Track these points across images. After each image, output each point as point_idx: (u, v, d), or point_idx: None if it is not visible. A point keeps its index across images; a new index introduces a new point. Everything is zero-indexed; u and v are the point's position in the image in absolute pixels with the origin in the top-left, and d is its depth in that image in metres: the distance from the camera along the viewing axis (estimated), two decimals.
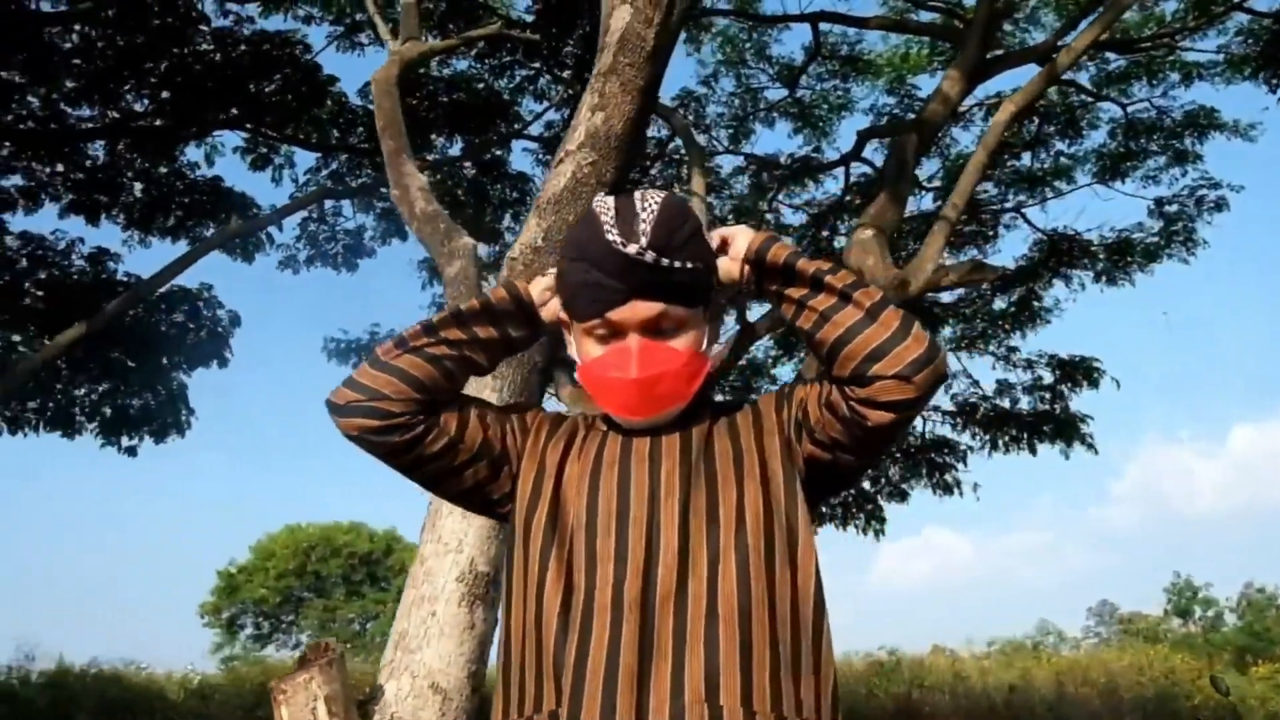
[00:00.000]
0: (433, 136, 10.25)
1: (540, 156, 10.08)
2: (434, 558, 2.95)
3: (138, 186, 10.53)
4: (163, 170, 10.54)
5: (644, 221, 1.44)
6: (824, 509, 10.11)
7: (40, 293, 10.39)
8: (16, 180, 10.26)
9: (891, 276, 5.64)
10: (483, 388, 2.99)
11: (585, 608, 1.33)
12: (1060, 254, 9.27)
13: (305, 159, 10.49)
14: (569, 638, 1.32)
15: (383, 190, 9.69)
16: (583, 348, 1.49)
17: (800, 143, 9.84)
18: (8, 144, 10.20)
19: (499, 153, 10.30)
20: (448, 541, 2.98)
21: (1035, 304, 9.59)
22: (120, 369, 9.97)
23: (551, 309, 1.55)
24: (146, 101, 10.22)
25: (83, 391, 10.55)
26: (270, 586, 20.26)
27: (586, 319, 1.46)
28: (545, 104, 9.64)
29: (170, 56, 9.77)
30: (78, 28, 9.65)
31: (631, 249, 1.41)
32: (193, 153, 10.71)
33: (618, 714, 1.25)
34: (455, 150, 10.26)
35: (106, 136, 10.21)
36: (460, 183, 10.40)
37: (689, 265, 1.43)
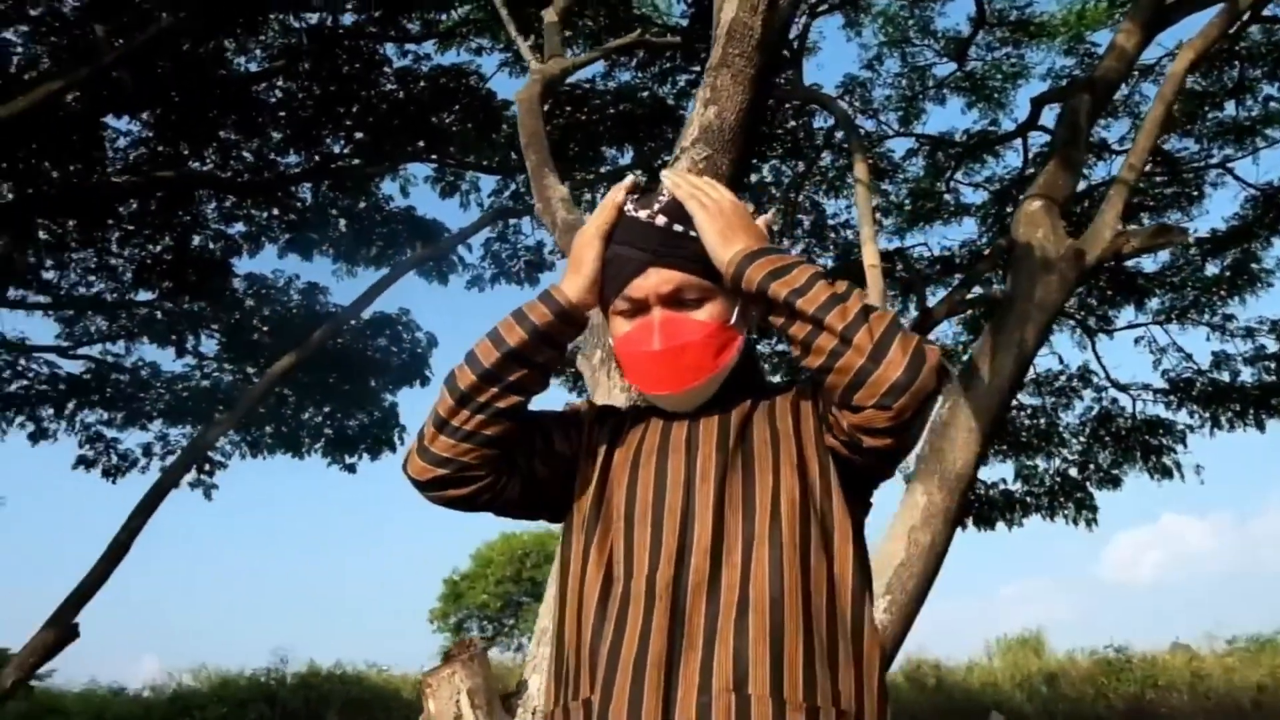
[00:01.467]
0: (603, 148, 10.53)
1: None
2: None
3: (342, 222, 11.39)
4: (362, 205, 11.36)
5: (662, 196, 1.48)
6: (1029, 499, 9.62)
7: (265, 328, 11.42)
8: (240, 227, 11.34)
9: (1065, 248, 5.32)
10: None
11: (621, 598, 1.35)
12: (1277, 209, 8.41)
13: (489, 182, 11.05)
14: (605, 627, 1.34)
15: None
16: (615, 329, 1.52)
17: (975, 117, 9.42)
18: (231, 196, 11.27)
19: (667, 158, 10.43)
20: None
21: (1252, 266, 8.74)
22: (337, 392, 10.79)
23: (592, 297, 1.51)
24: (344, 143, 11.05)
25: (307, 415, 11.53)
26: (491, 592, 21.35)
27: (613, 296, 1.48)
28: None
29: (360, 100, 10.52)
30: (279, 83, 10.55)
31: (643, 214, 1.46)
32: (388, 186, 11.51)
33: (645, 702, 1.26)
34: (626, 160, 10.47)
35: (312, 179, 11.10)
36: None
37: (693, 234, 1.45)
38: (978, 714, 11.37)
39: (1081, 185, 8.06)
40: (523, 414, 1.49)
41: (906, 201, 9.82)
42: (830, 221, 10.05)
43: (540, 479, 1.51)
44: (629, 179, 1.54)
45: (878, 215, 10.09)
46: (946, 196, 9.69)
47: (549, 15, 5.94)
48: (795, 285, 1.34)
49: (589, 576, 1.41)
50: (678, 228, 1.45)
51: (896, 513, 5.27)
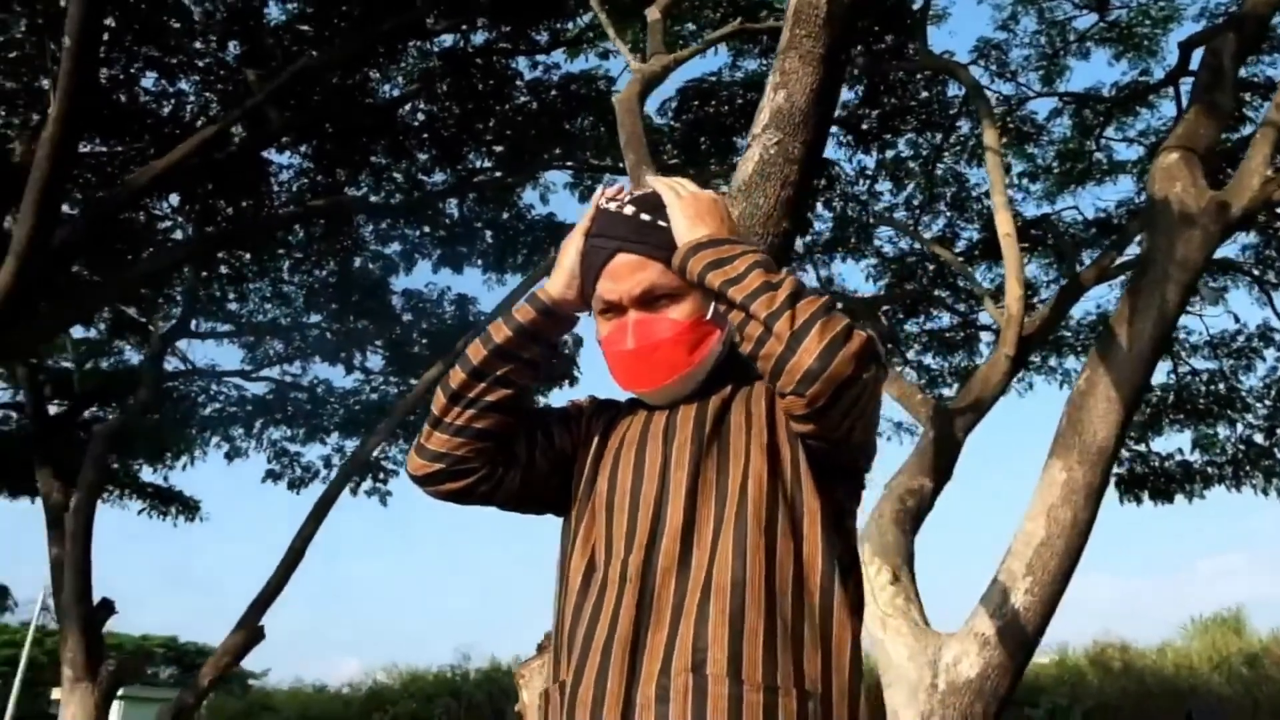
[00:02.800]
0: (735, 139, 10.48)
1: (842, 138, 9.94)
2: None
3: (488, 234, 11.82)
4: (506, 215, 11.75)
5: (637, 191, 1.54)
6: (1210, 469, 8.97)
7: (424, 340, 12.00)
8: (395, 247, 11.95)
9: (1207, 201, 4.95)
10: None
11: (599, 583, 1.39)
12: None
13: (625, 183, 11.27)
14: (582, 612, 1.39)
15: None
16: (598, 329, 1.56)
17: (1123, 69, 8.84)
18: (386, 218, 11.90)
19: None
20: None
21: None
22: None
23: (576, 293, 1.54)
24: (485, 158, 11.46)
25: None
26: None
27: (591, 289, 1.52)
28: None
29: (497, 114, 10.89)
30: (421, 105, 11.05)
31: (613, 205, 1.52)
32: (529, 195, 11.84)
33: (609, 683, 1.29)
34: None
35: (457, 195, 11.57)
36: None
37: (663, 223, 1.48)
38: (1171, 698, 10.68)
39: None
40: (517, 408, 1.53)
41: (1054, 164, 9.33)
42: (974, 192, 9.66)
43: (541, 472, 1.56)
44: (616, 184, 1.59)
45: (1024, 180, 9.65)
46: (1098, 155, 9.15)
47: (651, 14, 6.00)
48: (731, 275, 1.34)
49: (574, 563, 1.45)
50: (645, 217, 1.49)
51: (1035, 490, 5.06)
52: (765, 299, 1.30)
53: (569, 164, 11.31)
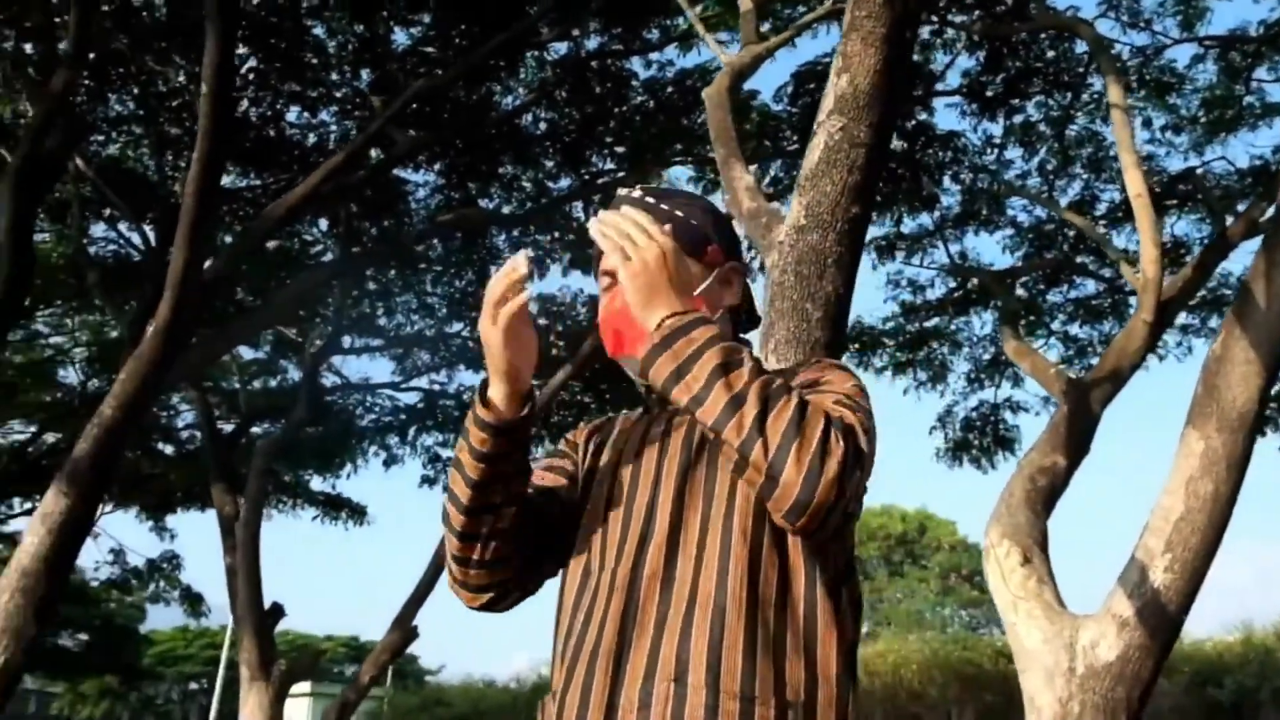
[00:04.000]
0: None
1: (965, 108, 9.60)
2: None
3: None
4: None
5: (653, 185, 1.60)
6: None
7: (561, 343, 12.30)
8: (528, 253, 12.29)
9: None
10: None
11: (592, 592, 1.41)
12: None
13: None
14: (575, 621, 1.41)
15: None
16: (600, 302, 1.60)
17: (1271, 5, 8.18)
18: (517, 228, 12.25)
19: (923, 117, 10.01)
20: None
21: None
22: (629, 395, 11.41)
23: (515, 397, 1.44)
24: (607, 159, 11.65)
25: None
26: None
27: (598, 269, 1.58)
28: (952, 54, 9.20)
29: (615, 116, 11.05)
30: (542, 114, 11.33)
31: (623, 191, 1.57)
32: None
33: (594, 690, 1.32)
34: None
35: (582, 198, 11.80)
36: (891, 157, 10.26)
37: (663, 206, 1.52)
38: None
39: None
40: (520, 504, 1.47)
41: (1200, 114, 8.73)
42: (1112, 151, 9.15)
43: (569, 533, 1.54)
44: (521, 256, 1.51)
45: (1167, 134, 9.08)
46: (1248, 99, 8.51)
47: (743, 3, 5.97)
48: (694, 390, 1.28)
49: (570, 572, 1.48)
50: (650, 199, 1.54)
51: (1173, 463, 4.79)
52: (734, 425, 1.25)
53: (690, 159, 11.36)
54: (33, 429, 14.59)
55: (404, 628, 7.78)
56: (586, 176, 11.57)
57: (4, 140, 9.93)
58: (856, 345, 10.95)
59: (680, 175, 11.52)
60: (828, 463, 1.22)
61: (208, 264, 7.68)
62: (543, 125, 11.37)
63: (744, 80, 5.48)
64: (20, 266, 7.73)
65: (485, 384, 1.43)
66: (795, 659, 1.30)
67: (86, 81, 10.77)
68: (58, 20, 8.86)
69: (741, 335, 1.65)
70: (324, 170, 7.72)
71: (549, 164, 11.62)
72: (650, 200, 1.56)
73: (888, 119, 3.32)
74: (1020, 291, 9.89)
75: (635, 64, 10.89)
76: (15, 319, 8.97)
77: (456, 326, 12.91)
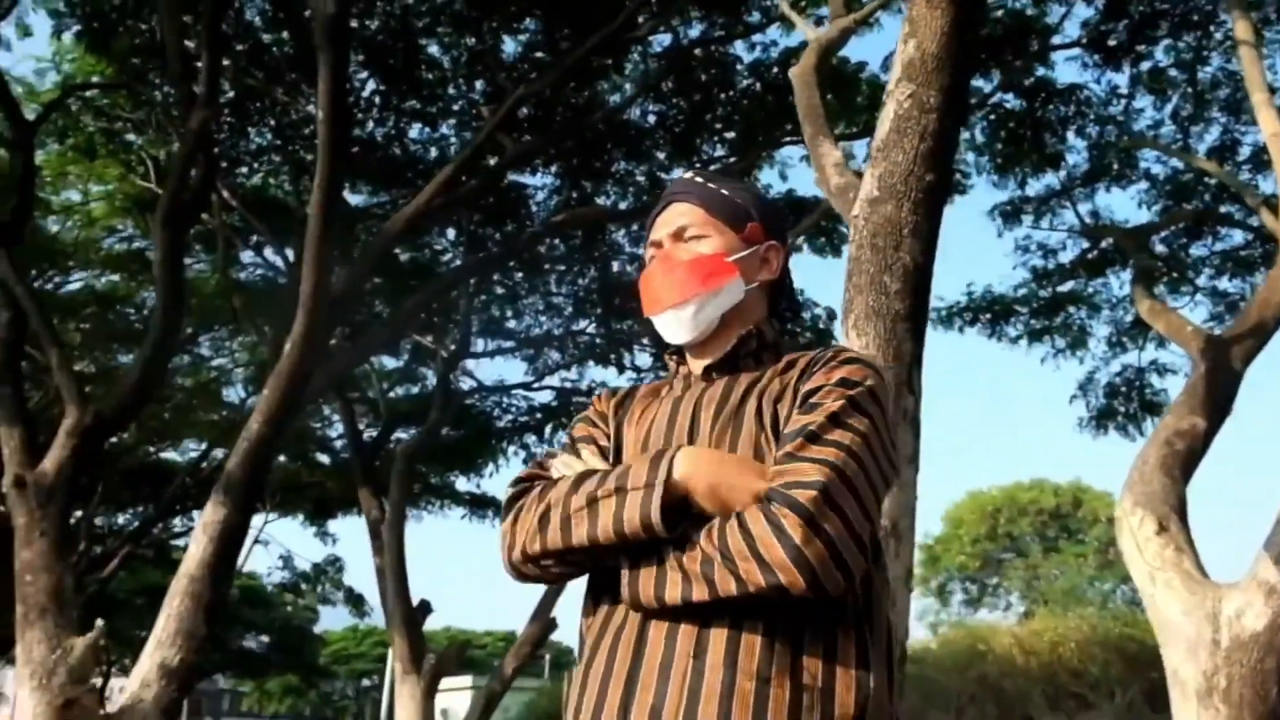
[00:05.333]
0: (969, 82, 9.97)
1: (1087, 59, 9.16)
2: None
3: None
4: None
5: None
6: None
7: None
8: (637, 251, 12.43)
9: None
10: None
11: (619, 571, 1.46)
12: None
13: (860, 147, 11.01)
14: (600, 600, 1.47)
15: None
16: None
17: None
18: (635, 221, 12.38)
19: (1041, 72, 9.60)
20: None
21: None
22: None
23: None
24: (717, 146, 11.65)
25: None
26: (967, 553, 20.81)
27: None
28: (1068, 4, 8.78)
29: (722, 102, 11.04)
30: (651, 107, 11.42)
31: (677, 174, 1.68)
32: (766, 175, 11.88)
33: (615, 663, 1.38)
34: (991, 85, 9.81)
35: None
36: (1010, 116, 9.90)
37: (710, 185, 1.61)
38: None
39: None
40: None
41: None
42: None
43: None
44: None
45: None
46: None
47: None
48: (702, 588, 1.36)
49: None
50: (699, 179, 1.63)
51: None
52: (724, 580, 1.34)
53: (801, 139, 11.21)
54: (203, 446, 15.64)
55: (543, 619, 8.01)
56: (698, 165, 11.60)
57: (161, 181, 10.69)
58: (988, 315, 10.61)
59: (792, 156, 11.41)
60: (803, 551, 1.25)
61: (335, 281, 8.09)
62: (651, 118, 11.45)
63: (832, 56, 5.40)
64: (174, 297, 8.32)
65: (668, 506, 1.35)
66: (814, 645, 1.32)
67: (228, 119, 11.51)
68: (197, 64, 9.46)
69: (775, 318, 1.68)
70: (436, 183, 8.01)
71: (660, 156, 11.70)
72: (699, 180, 1.64)
73: (959, 82, 3.23)
74: (1160, 248, 9.38)
75: (738, 48, 10.86)
76: (174, 346, 9.65)
77: (583, 324, 13.15)
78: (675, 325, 1.57)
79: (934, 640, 16.80)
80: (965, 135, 10.05)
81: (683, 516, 1.35)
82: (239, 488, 6.92)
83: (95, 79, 10.88)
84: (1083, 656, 12.21)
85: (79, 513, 16.28)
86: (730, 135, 11.28)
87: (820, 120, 4.76)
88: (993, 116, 9.55)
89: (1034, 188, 9.74)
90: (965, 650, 13.83)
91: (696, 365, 1.60)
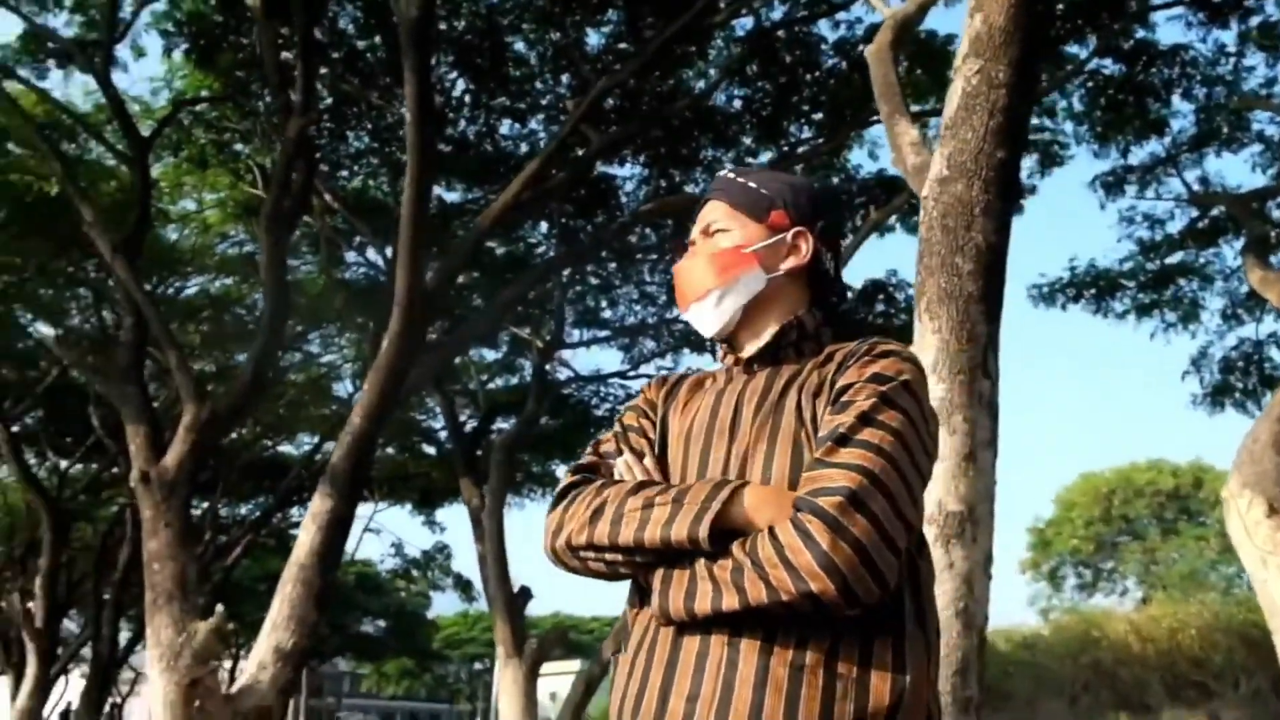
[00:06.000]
0: (1061, 48, 9.63)
1: (1191, 18, 8.75)
2: None
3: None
4: (837, 180, 11.73)
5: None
6: None
7: None
8: None
9: None
10: None
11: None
12: None
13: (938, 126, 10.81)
14: (650, 589, 1.48)
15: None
16: None
17: None
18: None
19: (1141, 34, 9.20)
20: None
21: None
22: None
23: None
24: (805, 127, 11.54)
25: None
26: (1080, 536, 20.12)
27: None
28: None
29: (808, 83, 10.92)
30: (736, 92, 11.37)
31: (719, 173, 1.72)
32: (856, 155, 11.72)
33: (657, 649, 1.42)
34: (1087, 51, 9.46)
35: (778, 164, 11.76)
36: (1109, 82, 9.52)
37: (737, 176, 1.64)
38: None
39: None
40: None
41: None
42: None
43: None
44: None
45: None
46: None
47: None
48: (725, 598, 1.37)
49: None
50: (731, 174, 1.66)
51: None
52: (752, 592, 1.35)
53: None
54: (316, 439, 16.27)
55: None
56: (785, 148, 11.50)
57: (267, 187, 11.14)
58: (1092, 290, 10.26)
59: (881, 134, 11.20)
60: (831, 556, 1.26)
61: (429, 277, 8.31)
62: (737, 103, 11.40)
63: (909, 31, 5.30)
64: (280, 297, 8.69)
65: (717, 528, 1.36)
66: (850, 635, 1.32)
67: (327, 124, 11.91)
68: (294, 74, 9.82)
69: (819, 307, 1.68)
70: (522, 178, 8.15)
71: (747, 141, 11.65)
72: (729, 175, 1.66)
73: (1030, 55, 3.15)
74: (1277, 214, 8.91)
75: (822, 27, 10.70)
76: (282, 344, 10.07)
77: (676, 312, 13.19)
78: (701, 319, 1.60)
79: (1046, 626, 16.35)
80: (1062, 104, 9.74)
81: (730, 539, 1.35)
82: (343, 480, 7.21)
83: (204, 93, 11.35)
84: (1204, 644, 11.74)
85: (205, 504, 17.15)
86: (817, 116, 11.15)
87: (896, 98, 4.69)
88: (1090, 83, 9.20)
89: (1137, 156, 9.37)
90: (1078, 636, 13.45)
91: (740, 356, 1.61)
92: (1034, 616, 20.52)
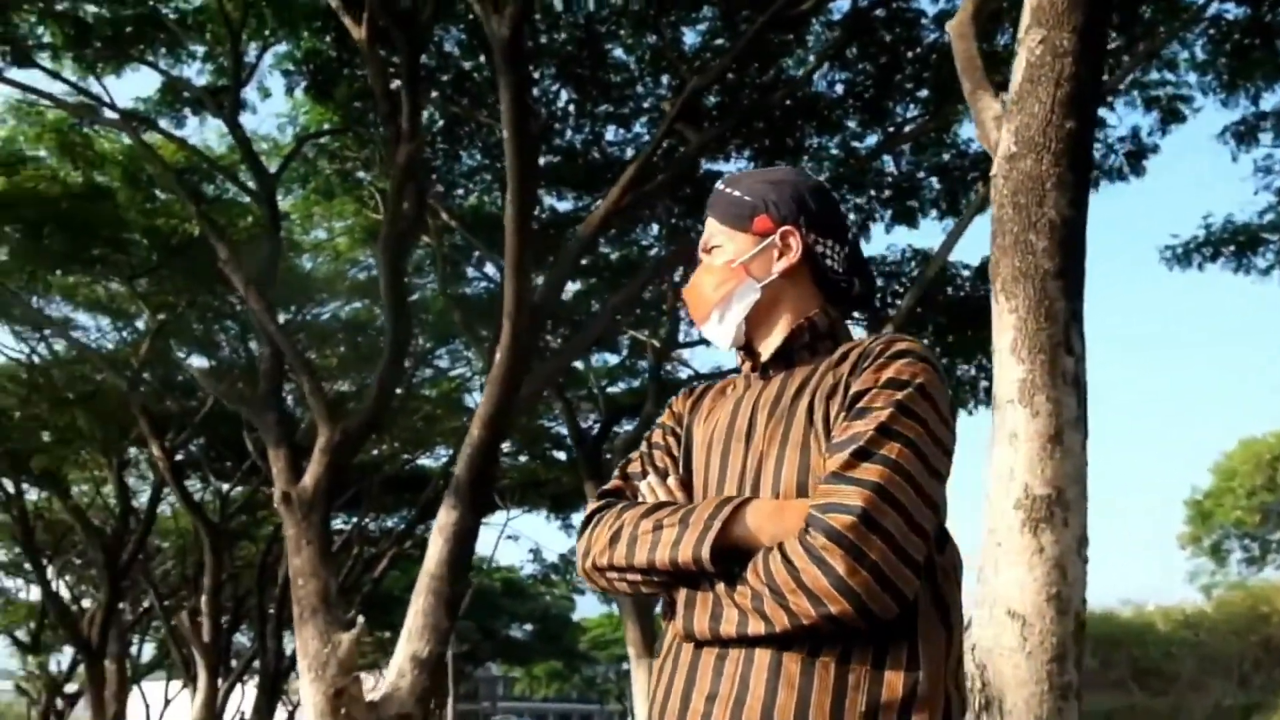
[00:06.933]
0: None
1: None
2: (993, 487, 3.00)
3: (934, 181, 11.64)
4: (947, 157, 11.48)
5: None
6: None
7: (896, 302, 12.07)
8: (852, 218, 12.25)
9: None
10: None
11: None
12: None
13: None
14: (677, 599, 1.49)
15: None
16: None
17: None
18: (834, 193, 12.23)
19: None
20: (999, 470, 2.99)
21: None
22: (965, 344, 10.98)
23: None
24: (911, 106, 11.32)
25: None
26: (1243, 507, 18.89)
27: None
28: None
29: (910, 60, 10.70)
30: (838, 76, 11.21)
31: (871, 139, 1.75)
32: (966, 130, 11.37)
33: (682, 652, 1.45)
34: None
35: (889, 150, 11.55)
36: (1232, 27, 8.95)
37: (725, 187, 1.64)
38: None
39: None
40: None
41: None
42: None
43: None
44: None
45: None
46: None
47: None
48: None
49: None
50: (720, 186, 1.66)
51: None
52: (772, 616, 1.38)
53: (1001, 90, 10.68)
54: (451, 451, 16.83)
55: None
56: (891, 129, 11.27)
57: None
58: (1231, 248, 9.68)
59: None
60: (846, 583, 1.27)
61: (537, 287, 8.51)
62: (839, 88, 11.25)
63: (991, 5, 5.14)
64: (400, 317, 9.06)
65: (719, 547, 1.38)
66: (865, 637, 1.32)
67: (441, 145, 12.33)
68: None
69: (834, 303, 1.69)
70: (621, 184, 8.26)
71: (852, 124, 11.47)
72: (719, 187, 1.65)
73: (1096, 20, 3.03)
74: None
75: (921, 2, 10.50)
76: (404, 363, 10.47)
77: None
78: (713, 336, 1.62)
79: (1209, 604, 15.48)
80: (1184, 54, 9.22)
81: (736, 557, 1.37)
82: (466, 491, 7.47)
83: (324, 126, 11.91)
84: None
85: (353, 519, 17.99)
86: (922, 93, 10.89)
87: (979, 73, 4.56)
88: (1212, 30, 8.68)
89: (1269, 101, 8.79)
90: (1245, 613, 12.73)
91: (757, 362, 1.61)
92: (1195, 594, 19.48)
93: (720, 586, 1.38)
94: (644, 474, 1.61)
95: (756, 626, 1.34)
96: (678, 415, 1.69)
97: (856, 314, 1.71)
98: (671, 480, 1.58)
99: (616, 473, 1.67)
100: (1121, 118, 14.46)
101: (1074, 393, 2.99)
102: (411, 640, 7.08)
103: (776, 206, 1.61)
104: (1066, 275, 2.98)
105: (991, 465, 3.04)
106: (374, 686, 8.27)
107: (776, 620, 1.32)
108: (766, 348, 1.59)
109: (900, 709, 1.33)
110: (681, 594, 1.43)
